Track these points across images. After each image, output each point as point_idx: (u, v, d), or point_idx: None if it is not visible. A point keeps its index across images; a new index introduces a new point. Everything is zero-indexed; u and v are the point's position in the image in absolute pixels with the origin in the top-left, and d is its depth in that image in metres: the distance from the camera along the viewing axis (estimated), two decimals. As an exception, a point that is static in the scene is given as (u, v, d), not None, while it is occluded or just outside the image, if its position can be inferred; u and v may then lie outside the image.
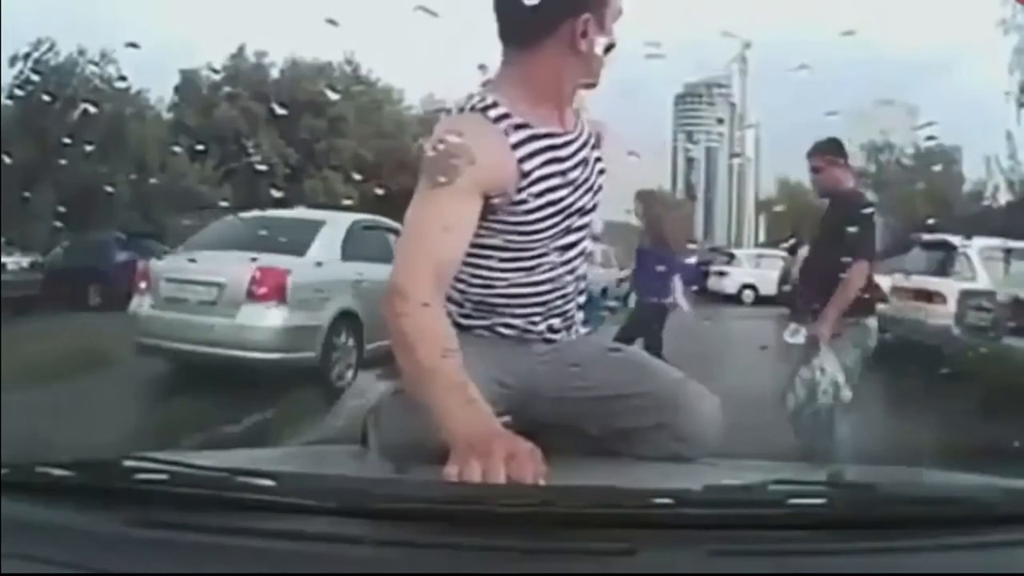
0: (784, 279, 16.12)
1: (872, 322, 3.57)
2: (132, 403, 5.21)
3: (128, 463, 1.04)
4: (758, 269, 20.41)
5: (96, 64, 23.26)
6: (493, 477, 0.99)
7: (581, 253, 1.56)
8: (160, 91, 28.41)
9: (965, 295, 7.38)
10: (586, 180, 1.49)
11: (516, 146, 1.39)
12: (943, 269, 8.49)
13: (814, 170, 3.69)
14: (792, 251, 17.37)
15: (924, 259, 8.79)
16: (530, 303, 1.52)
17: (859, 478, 1.02)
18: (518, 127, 1.40)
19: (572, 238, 1.50)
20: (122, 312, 6.69)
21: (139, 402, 5.32)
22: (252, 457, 1.42)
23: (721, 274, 19.63)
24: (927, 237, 9.23)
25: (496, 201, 1.38)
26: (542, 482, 0.99)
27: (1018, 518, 0.90)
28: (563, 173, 1.44)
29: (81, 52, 23.73)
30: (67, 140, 18.85)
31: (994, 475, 1.14)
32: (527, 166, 1.39)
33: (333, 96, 29.94)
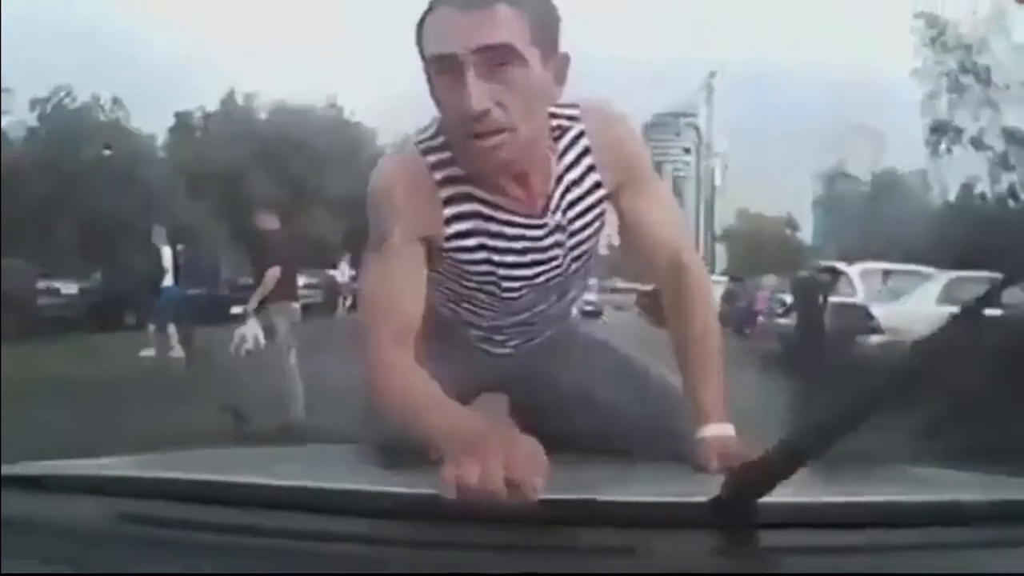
0: (726, 299, 18.33)
1: (295, 305, 6.17)
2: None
3: (129, 462, 1.09)
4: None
5: (103, 109, 25.36)
6: (492, 483, 0.86)
7: (550, 306, 1.44)
8: (162, 134, 30.70)
9: (841, 307, 9.36)
10: (538, 263, 1.34)
11: (447, 201, 1.27)
12: (830, 288, 10.45)
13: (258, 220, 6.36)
14: (735, 279, 19.58)
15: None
16: (481, 331, 1.47)
17: (859, 478, 1.00)
18: (454, 180, 1.27)
19: (527, 302, 1.40)
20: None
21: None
22: (252, 456, 1.43)
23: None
24: (821, 263, 11.33)
25: (431, 248, 1.29)
26: (539, 481, 0.86)
27: (1018, 518, 0.88)
28: (498, 250, 1.31)
29: (96, 98, 25.96)
30: (83, 178, 20.70)
31: (994, 474, 1.16)
32: (452, 228, 1.28)
33: (317, 138, 31.83)
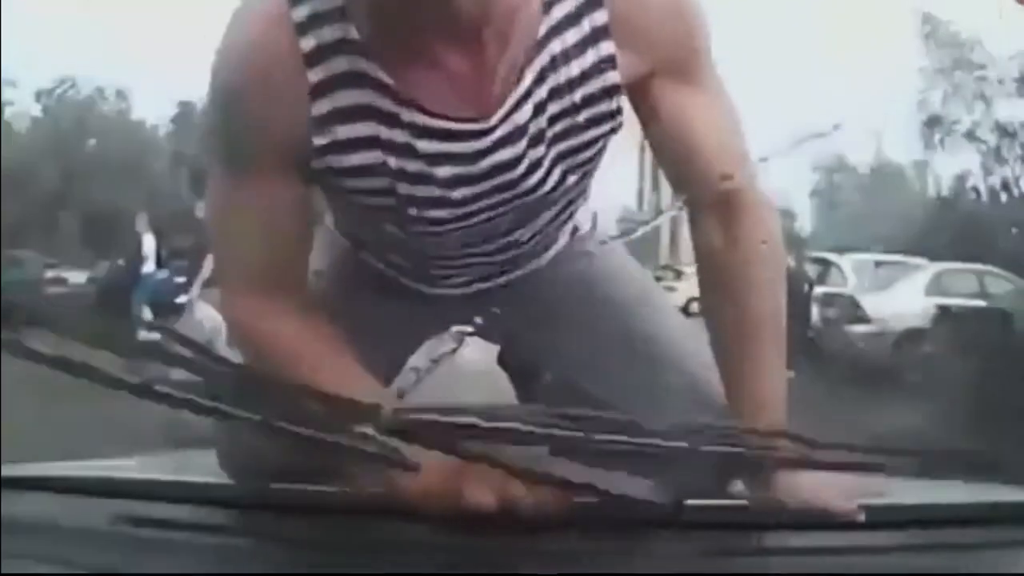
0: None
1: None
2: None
3: (129, 463, 1.08)
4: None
5: (107, 99, 25.76)
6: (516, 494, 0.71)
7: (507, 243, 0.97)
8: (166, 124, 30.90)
9: (830, 297, 9.64)
10: (480, 197, 0.87)
11: (318, 89, 0.79)
12: (822, 278, 10.74)
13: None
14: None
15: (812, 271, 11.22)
16: (405, 264, 1.04)
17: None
18: (334, 49, 0.79)
19: (459, 239, 0.93)
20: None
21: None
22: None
23: (670, 289, 21.96)
24: (814, 254, 11.68)
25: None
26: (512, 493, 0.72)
27: (1018, 518, 0.88)
28: (407, 176, 0.84)
29: (99, 89, 26.25)
30: (86, 168, 21.07)
31: (994, 473, 1.10)
32: (327, 138, 0.82)
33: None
